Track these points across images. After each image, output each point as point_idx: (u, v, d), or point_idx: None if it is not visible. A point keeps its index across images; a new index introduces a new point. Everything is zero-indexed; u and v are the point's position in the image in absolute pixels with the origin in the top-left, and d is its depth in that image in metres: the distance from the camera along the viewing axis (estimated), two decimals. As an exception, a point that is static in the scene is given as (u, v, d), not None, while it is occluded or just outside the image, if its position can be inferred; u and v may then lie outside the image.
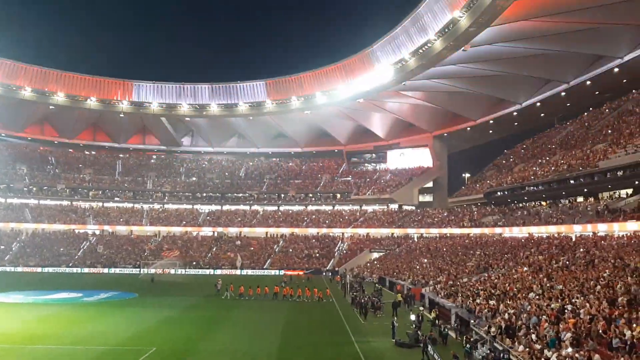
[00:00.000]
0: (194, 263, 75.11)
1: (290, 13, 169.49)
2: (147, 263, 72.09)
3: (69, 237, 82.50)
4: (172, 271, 69.91)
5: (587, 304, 20.79)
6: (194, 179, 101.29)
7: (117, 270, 72.56)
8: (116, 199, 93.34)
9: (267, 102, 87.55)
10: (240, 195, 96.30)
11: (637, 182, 44.27)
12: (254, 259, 77.02)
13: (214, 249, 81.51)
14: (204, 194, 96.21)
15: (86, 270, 72.55)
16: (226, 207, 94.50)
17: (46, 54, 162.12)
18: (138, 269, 70.84)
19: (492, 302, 26.75)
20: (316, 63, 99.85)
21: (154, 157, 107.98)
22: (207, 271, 72.63)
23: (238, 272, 71.56)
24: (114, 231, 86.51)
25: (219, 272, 71.62)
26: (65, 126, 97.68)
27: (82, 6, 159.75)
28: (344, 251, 79.01)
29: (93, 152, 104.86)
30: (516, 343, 19.70)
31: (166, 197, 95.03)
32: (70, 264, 74.35)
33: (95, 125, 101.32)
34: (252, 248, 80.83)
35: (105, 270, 72.65)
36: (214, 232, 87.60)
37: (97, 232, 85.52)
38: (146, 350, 23.55)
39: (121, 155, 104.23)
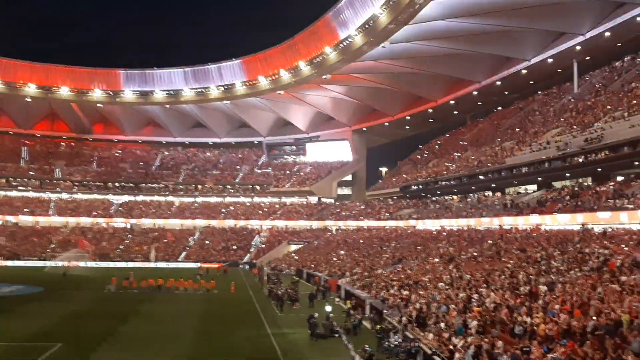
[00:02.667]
0: (106, 255, 71.96)
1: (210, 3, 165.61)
2: (54, 255, 68.17)
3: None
4: (82, 264, 66.53)
5: (492, 294, 21.84)
6: (106, 168, 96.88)
7: (22, 263, 68.10)
8: (21, 187, 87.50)
9: (185, 91, 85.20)
10: (155, 185, 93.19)
11: (540, 179, 47.12)
12: (168, 252, 74.86)
13: (127, 241, 78.48)
14: (117, 184, 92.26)
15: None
16: (140, 198, 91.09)
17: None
18: (43, 262, 66.85)
19: (404, 292, 27.52)
20: (237, 53, 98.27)
21: (63, 144, 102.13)
22: (120, 264, 69.76)
23: (152, 264, 69.30)
24: (18, 222, 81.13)
25: (131, 264, 69.00)
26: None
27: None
28: (262, 243, 78.59)
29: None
30: (426, 332, 20.34)
31: (76, 187, 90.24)
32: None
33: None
34: (166, 240, 78.49)
35: (9, 263, 67.99)
36: (126, 223, 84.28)
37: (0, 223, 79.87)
38: (52, 346, 22.34)
39: (27, 142, 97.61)
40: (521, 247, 32.19)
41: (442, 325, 19.94)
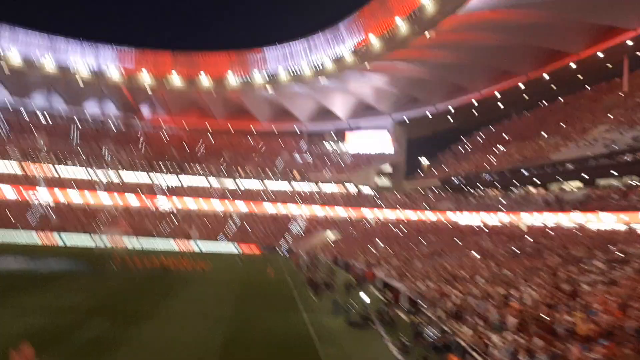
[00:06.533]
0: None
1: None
2: (102, 232, 70.58)
3: (19, 204, 79.68)
4: (126, 241, 68.63)
5: (532, 291, 21.69)
6: (153, 149, 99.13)
7: (69, 241, 70.62)
8: (71, 166, 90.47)
9: (230, 77, 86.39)
10: (199, 168, 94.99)
11: (584, 176, 46.06)
12: (209, 233, 76.51)
13: (170, 221, 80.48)
14: (162, 165, 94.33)
15: (36, 237, 70.36)
16: (184, 180, 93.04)
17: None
18: (91, 239, 69.25)
19: (442, 286, 27.54)
20: (279, 38, 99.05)
21: (113, 125, 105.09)
22: (162, 242, 71.66)
23: (193, 244, 71.03)
24: (68, 199, 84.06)
25: (173, 244, 70.97)
26: (20, 90, 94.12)
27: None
28: (300, 230, 79.39)
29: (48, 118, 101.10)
30: (463, 326, 20.40)
31: (123, 167, 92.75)
32: (21, 229, 71.98)
33: (51, 91, 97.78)
34: (207, 221, 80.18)
35: (57, 238, 70.66)
36: (170, 204, 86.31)
37: (50, 200, 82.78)
38: (95, 319, 23.21)
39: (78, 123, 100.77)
40: (563, 244, 31.68)
41: (479, 320, 19.97)
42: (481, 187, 64.22)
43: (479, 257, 34.73)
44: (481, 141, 78.86)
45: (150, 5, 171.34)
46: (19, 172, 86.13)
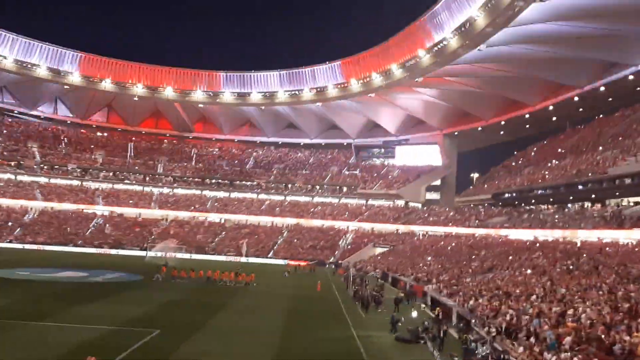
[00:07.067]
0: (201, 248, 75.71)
1: (307, 9, 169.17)
2: (153, 246, 72.59)
3: (77, 217, 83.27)
4: (178, 255, 70.38)
5: (588, 309, 21.01)
6: (204, 165, 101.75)
7: (124, 252, 73.17)
8: (126, 181, 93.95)
9: (280, 93, 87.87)
10: (248, 183, 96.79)
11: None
12: (258, 248, 77.53)
13: (220, 236, 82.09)
14: (213, 181, 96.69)
15: (93, 250, 73.20)
16: (234, 195, 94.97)
17: (62, 32, 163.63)
18: (144, 252, 71.34)
19: (494, 303, 26.99)
20: (330, 57, 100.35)
21: (166, 141, 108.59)
22: (213, 257, 73.16)
23: (243, 259, 72.06)
24: (123, 213, 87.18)
25: (224, 258, 72.26)
26: (78, 107, 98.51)
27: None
28: (348, 244, 79.37)
29: (105, 134, 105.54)
30: (516, 344, 19.96)
31: (175, 182, 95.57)
32: (79, 243, 75.09)
33: (109, 107, 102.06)
34: (257, 236, 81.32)
35: (112, 252, 73.31)
36: (220, 218, 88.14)
37: (106, 213, 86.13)
38: (150, 332, 23.94)
39: (133, 138, 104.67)
40: (622, 262, 30.52)
41: (533, 339, 19.49)
42: (534, 202, 62.61)
43: (532, 273, 33.84)
44: (534, 155, 76.99)
45: (201, 30, 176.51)
46: (78, 187, 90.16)
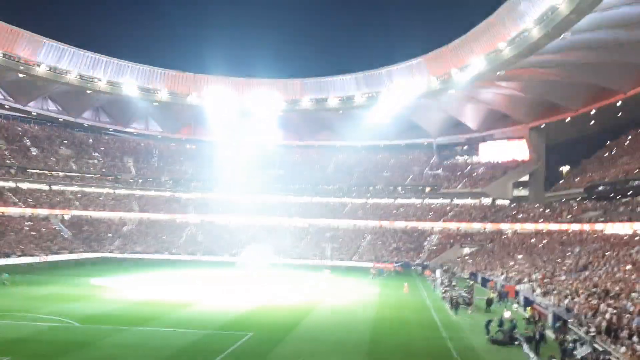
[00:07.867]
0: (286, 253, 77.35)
1: (381, 9, 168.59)
2: (243, 252, 75.00)
3: (171, 226, 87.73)
4: (264, 261, 72.26)
5: (698, 307, 19.71)
6: (287, 171, 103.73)
7: (215, 259, 76.21)
8: (215, 190, 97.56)
9: (357, 96, 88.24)
10: (330, 187, 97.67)
11: None
12: (342, 251, 78.12)
13: (305, 240, 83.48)
14: (296, 186, 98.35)
15: (187, 257, 76.83)
16: (316, 199, 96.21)
17: (151, 53, 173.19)
18: (234, 258, 73.94)
19: (592, 302, 25.85)
20: (405, 55, 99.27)
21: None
22: (298, 261, 74.45)
23: (328, 262, 72.90)
24: (213, 220, 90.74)
25: (309, 261, 73.42)
26: (167, 122, 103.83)
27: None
28: (434, 245, 78.22)
29: (193, 146, 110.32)
30: (618, 344, 19.08)
31: (260, 189, 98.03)
32: (174, 251, 79.17)
33: (195, 121, 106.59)
34: (340, 240, 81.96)
35: (204, 258, 76.55)
36: (304, 223, 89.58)
37: (198, 221, 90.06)
38: (243, 335, 24.88)
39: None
40: None
41: (636, 338, 18.56)
42: (631, 193, 58.94)
43: (632, 269, 32.02)
44: (629, 144, 72.43)
45: (278, 39, 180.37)
46: (170, 198, 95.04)
